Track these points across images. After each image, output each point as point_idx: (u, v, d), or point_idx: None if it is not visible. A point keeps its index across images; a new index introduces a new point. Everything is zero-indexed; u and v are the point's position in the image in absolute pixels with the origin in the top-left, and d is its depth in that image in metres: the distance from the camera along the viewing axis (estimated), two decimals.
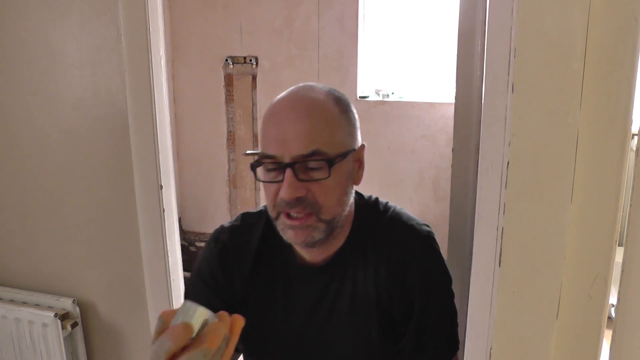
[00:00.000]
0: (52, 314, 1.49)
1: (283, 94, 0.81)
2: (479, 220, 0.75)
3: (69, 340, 1.57)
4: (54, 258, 1.60)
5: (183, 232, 3.47)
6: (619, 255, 0.67)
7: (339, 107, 0.79)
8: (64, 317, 1.53)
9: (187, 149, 3.40)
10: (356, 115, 0.83)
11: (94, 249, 1.54)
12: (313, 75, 3.05)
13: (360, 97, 3.04)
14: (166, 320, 0.54)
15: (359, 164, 0.85)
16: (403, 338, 0.85)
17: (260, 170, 0.79)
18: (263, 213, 0.90)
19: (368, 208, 0.89)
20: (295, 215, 0.76)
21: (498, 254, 0.71)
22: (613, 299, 0.68)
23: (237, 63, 3.17)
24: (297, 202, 0.75)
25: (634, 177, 0.62)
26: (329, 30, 3.00)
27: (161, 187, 1.36)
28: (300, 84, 0.83)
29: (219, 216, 3.32)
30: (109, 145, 1.42)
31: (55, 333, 1.50)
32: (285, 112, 0.77)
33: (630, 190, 0.63)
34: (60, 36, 1.39)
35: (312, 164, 0.75)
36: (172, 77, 3.23)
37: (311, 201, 0.76)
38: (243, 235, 0.91)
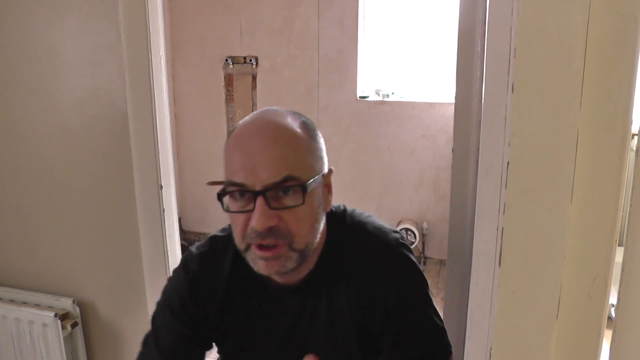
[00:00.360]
0: (52, 314, 1.49)
1: (246, 119, 0.78)
2: (479, 220, 0.75)
3: (69, 340, 1.57)
4: (54, 258, 1.60)
5: (183, 232, 3.47)
6: (619, 255, 0.67)
7: (306, 131, 0.77)
8: (64, 317, 1.53)
9: (187, 149, 3.40)
10: (322, 139, 0.81)
11: (94, 249, 1.54)
12: (313, 75, 3.05)
13: (360, 97, 3.04)
14: None
15: (328, 189, 0.83)
16: (382, 351, 0.84)
17: (227, 200, 0.75)
18: (232, 236, 0.86)
19: (337, 224, 0.87)
20: (267, 244, 0.73)
21: (498, 254, 0.71)
22: (613, 299, 0.68)
23: (237, 63, 3.17)
24: (269, 232, 0.72)
25: (633, 177, 0.62)
26: (329, 30, 3.00)
27: (161, 187, 1.36)
28: (264, 108, 0.80)
29: (219, 216, 3.31)
30: (109, 145, 1.42)
31: (55, 333, 1.50)
32: (253, 138, 0.74)
33: (630, 190, 0.63)
34: (60, 36, 1.39)
35: (284, 191, 0.72)
36: (172, 77, 3.23)
37: (283, 231, 0.73)
38: (213, 262, 0.88)
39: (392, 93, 3.05)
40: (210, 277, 0.88)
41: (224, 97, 3.24)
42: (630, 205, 0.63)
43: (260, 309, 0.87)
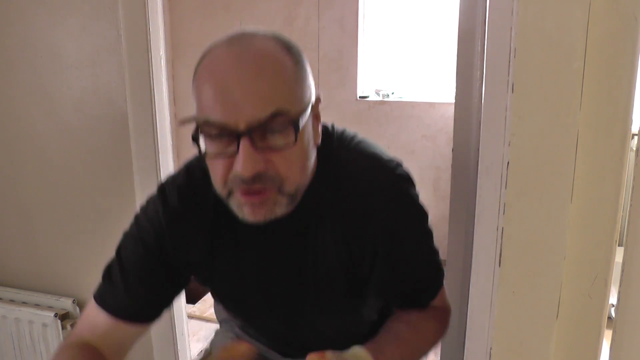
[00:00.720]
0: (52, 314, 1.49)
1: (219, 43, 0.65)
2: (479, 220, 0.75)
3: None
4: (54, 258, 1.60)
5: None
6: (619, 255, 0.67)
7: (291, 56, 0.67)
8: (64, 317, 1.53)
9: (187, 149, 3.40)
10: (307, 63, 0.71)
11: (94, 249, 1.54)
12: (313, 75, 3.05)
13: (360, 97, 3.04)
14: None
15: (317, 119, 0.73)
16: (376, 282, 0.79)
17: (204, 142, 0.65)
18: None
19: (325, 152, 0.76)
20: (253, 190, 0.64)
21: (498, 254, 0.71)
22: (613, 299, 0.68)
23: None
24: (257, 178, 0.62)
25: (634, 177, 0.62)
26: (329, 30, 2.99)
27: None
28: (238, 30, 0.67)
29: None
30: (109, 145, 1.42)
31: (55, 333, 1.50)
32: (231, 67, 0.61)
33: (630, 190, 0.63)
34: (61, 36, 1.39)
35: (271, 130, 0.62)
36: (172, 77, 3.23)
37: (272, 175, 0.64)
38: (194, 197, 0.77)
39: (392, 93, 3.05)
40: (192, 214, 0.77)
41: None
42: (631, 205, 0.63)
43: (244, 247, 0.78)
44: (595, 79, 0.63)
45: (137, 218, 0.81)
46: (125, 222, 1.53)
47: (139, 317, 0.80)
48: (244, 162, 0.61)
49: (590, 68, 0.63)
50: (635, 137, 1.44)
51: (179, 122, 0.70)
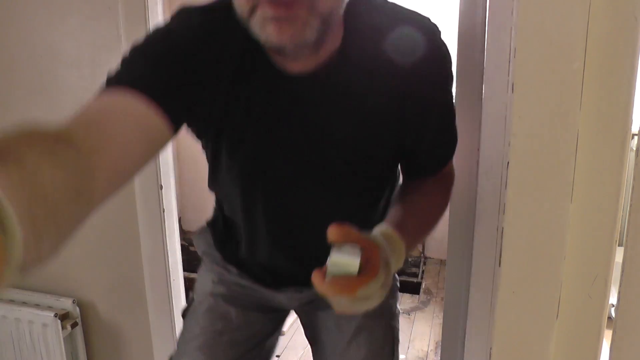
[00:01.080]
0: (52, 314, 1.49)
1: None
2: (479, 220, 0.75)
3: (69, 340, 1.57)
4: (53, 258, 1.60)
5: (183, 232, 3.47)
6: (618, 255, 0.67)
7: None
8: (63, 317, 1.53)
9: (187, 149, 3.40)
10: None
11: (94, 249, 1.54)
12: None
13: None
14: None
15: None
16: (403, 147, 0.76)
17: None
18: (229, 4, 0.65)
19: (359, 4, 0.70)
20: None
21: (498, 254, 0.71)
22: (613, 299, 0.68)
23: None
24: None
25: (634, 177, 0.62)
26: None
27: (161, 187, 1.36)
28: None
29: None
30: None
31: (55, 333, 1.50)
32: None
33: (630, 190, 0.63)
34: (61, 36, 1.39)
35: None
36: None
37: None
38: (220, 26, 0.67)
39: None
40: (218, 39, 0.67)
41: None
42: (630, 205, 0.63)
43: (270, 95, 0.70)
44: (595, 79, 0.63)
45: (156, 35, 0.69)
46: (125, 223, 1.53)
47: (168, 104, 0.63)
48: None
49: (590, 68, 0.63)
50: (635, 137, 1.44)
51: None
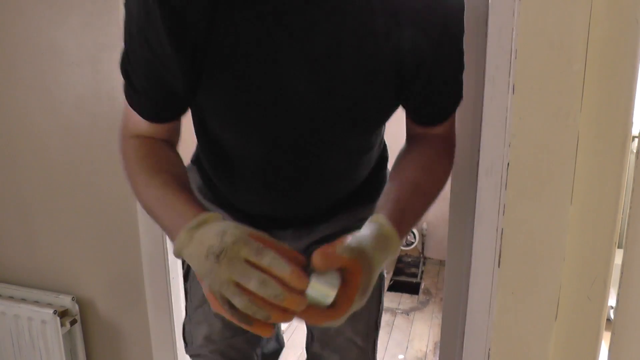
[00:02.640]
0: (51, 311, 1.50)
1: None
2: (479, 221, 0.75)
3: (68, 337, 1.57)
4: (53, 255, 1.60)
5: None
6: (618, 257, 0.67)
7: None
8: (63, 314, 1.53)
9: (187, 147, 3.39)
10: None
11: (94, 247, 1.54)
12: None
13: None
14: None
15: None
16: (409, 87, 0.75)
17: None
18: None
19: None
20: None
21: (497, 255, 0.71)
22: (612, 301, 0.68)
23: None
24: None
25: (634, 179, 0.62)
26: None
27: None
28: None
29: None
30: (110, 144, 1.42)
31: (54, 330, 1.50)
32: None
33: (630, 192, 0.63)
34: (62, 34, 1.39)
35: None
36: None
37: None
38: None
39: None
40: None
41: None
42: (630, 208, 0.63)
43: (260, 25, 0.65)
44: (596, 81, 0.63)
45: (128, 10, 0.68)
46: (125, 220, 1.53)
47: (165, 119, 0.77)
48: None
49: (591, 70, 0.63)
50: (636, 140, 1.44)
51: None
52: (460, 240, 1.09)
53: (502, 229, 0.69)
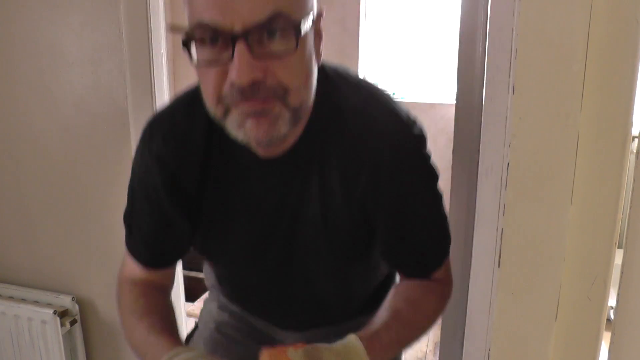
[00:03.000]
0: (51, 311, 1.49)
1: None
2: (479, 221, 0.75)
3: (68, 337, 1.57)
4: (53, 255, 1.60)
5: None
6: (618, 257, 0.67)
7: None
8: (63, 314, 1.53)
9: None
10: None
11: (94, 247, 1.54)
12: None
13: None
14: None
15: (319, 36, 0.67)
16: (380, 241, 0.75)
17: (195, 49, 0.57)
18: (196, 102, 0.68)
19: (327, 83, 0.70)
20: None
21: (497, 255, 0.71)
22: (612, 301, 0.68)
23: None
24: (254, 88, 0.56)
25: (634, 180, 0.62)
26: (330, 30, 2.99)
27: None
28: None
29: None
30: (110, 143, 1.42)
31: (54, 330, 1.50)
32: None
33: (630, 192, 0.63)
34: (62, 34, 1.39)
35: (270, 34, 0.56)
36: (173, 76, 3.23)
37: (273, 85, 0.57)
38: (182, 138, 0.72)
39: (393, 93, 3.04)
40: (181, 158, 0.72)
41: None
42: (630, 208, 0.63)
43: (239, 189, 0.73)
44: (596, 81, 0.63)
45: (133, 168, 0.77)
46: None
47: (161, 265, 0.82)
48: (239, 68, 0.54)
49: (591, 70, 0.63)
50: (636, 140, 1.44)
51: (169, 29, 0.64)
52: (460, 240, 1.09)
53: (502, 229, 0.69)
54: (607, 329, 0.71)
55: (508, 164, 0.67)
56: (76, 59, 1.39)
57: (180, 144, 0.72)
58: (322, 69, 0.70)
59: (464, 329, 0.83)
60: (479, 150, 0.78)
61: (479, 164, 0.74)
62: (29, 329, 1.54)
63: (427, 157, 0.74)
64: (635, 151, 1.40)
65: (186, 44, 0.57)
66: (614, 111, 0.65)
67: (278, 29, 0.56)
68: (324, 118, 0.69)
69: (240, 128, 0.60)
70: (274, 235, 0.75)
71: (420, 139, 0.72)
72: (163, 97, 1.35)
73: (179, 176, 0.73)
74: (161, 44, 1.32)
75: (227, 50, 0.56)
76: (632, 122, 0.65)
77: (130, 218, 0.79)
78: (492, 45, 0.69)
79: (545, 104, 0.64)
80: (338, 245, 0.75)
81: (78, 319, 1.57)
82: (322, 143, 0.70)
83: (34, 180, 1.55)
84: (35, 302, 1.56)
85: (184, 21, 0.60)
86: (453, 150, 1.10)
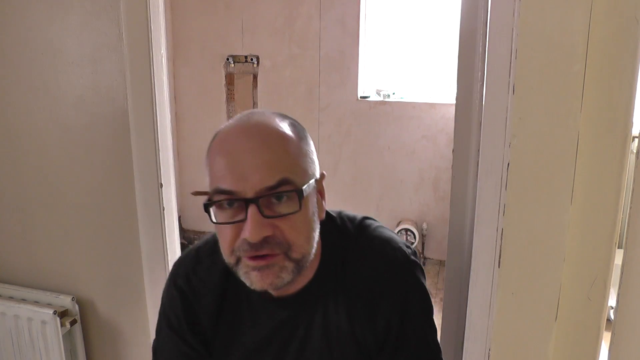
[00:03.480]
0: (51, 312, 1.49)
1: (231, 122, 0.73)
2: (479, 221, 0.75)
3: (68, 337, 1.57)
4: (53, 255, 1.60)
5: (183, 231, 3.47)
6: (618, 257, 0.67)
7: (296, 133, 0.73)
8: (63, 314, 1.53)
9: (187, 147, 3.40)
10: (312, 142, 0.77)
11: (94, 247, 1.54)
12: (314, 74, 3.05)
13: (361, 97, 3.04)
14: None
15: (322, 195, 0.78)
16: None
17: (214, 211, 0.69)
18: (216, 248, 0.80)
19: (336, 232, 0.82)
20: (261, 255, 0.68)
21: (498, 255, 0.71)
22: (612, 301, 0.68)
23: (238, 62, 3.17)
24: (264, 243, 0.67)
25: (634, 180, 0.62)
26: (330, 30, 2.99)
27: (161, 185, 1.36)
28: (248, 111, 0.75)
29: None
30: (109, 144, 1.42)
31: (54, 330, 1.50)
32: (240, 140, 0.69)
33: (630, 192, 0.63)
34: (62, 34, 1.39)
35: (277, 198, 0.67)
36: (173, 76, 3.23)
37: (279, 240, 0.68)
38: (201, 278, 0.84)
39: (393, 93, 3.05)
40: (200, 294, 0.84)
41: (224, 96, 3.24)
42: (630, 208, 0.63)
43: (252, 323, 0.83)
44: (596, 81, 0.63)
45: (162, 301, 0.89)
46: (124, 220, 1.53)
47: None
48: (251, 227, 0.65)
49: (591, 70, 0.63)
50: (636, 140, 1.44)
51: (193, 193, 0.77)
52: (460, 240, 1.09)
53: (502, 229, 0.69)
54: (607, 329, 0.71)
55: (508, 164, 0.67)
56: (76, 58, 1.39)
57: (201, 283, 0.84)
58: (332, 220, 0.82)
59: (464, 329, 0.83)
60: (479, 150, 0.78)
61: (479, 163, 0.74)
62: (29, 329, 1.54)
63: (425, 285, 0.81)
64: (635, 151, 1.40)
65: (206, 208, 0.69)
66: (614, 111, 0.65)
67: (283, 194, 0.67)
68: (332, 269, 0.79)
69: (247, 277, 0.70)
70: None
71: (418, 266, 0.81)
72: (163, 97, 1.35)
73: (197, 310, 0.84)
74: (161, 44, 1.32)
75: (241, 213, 0.67)
76: (632, 122, 0.65)
77: (156, 341, 0.89)
78: (492, 45, 0.69)
79: (545, 104, 0.64)
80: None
81: (78, 319, 1.57)
82: (327, 289, 0.79)
83: (33, 180, 1.55)
84: (35, 302, 1.56)
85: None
86: (453, 150, 1.10)
